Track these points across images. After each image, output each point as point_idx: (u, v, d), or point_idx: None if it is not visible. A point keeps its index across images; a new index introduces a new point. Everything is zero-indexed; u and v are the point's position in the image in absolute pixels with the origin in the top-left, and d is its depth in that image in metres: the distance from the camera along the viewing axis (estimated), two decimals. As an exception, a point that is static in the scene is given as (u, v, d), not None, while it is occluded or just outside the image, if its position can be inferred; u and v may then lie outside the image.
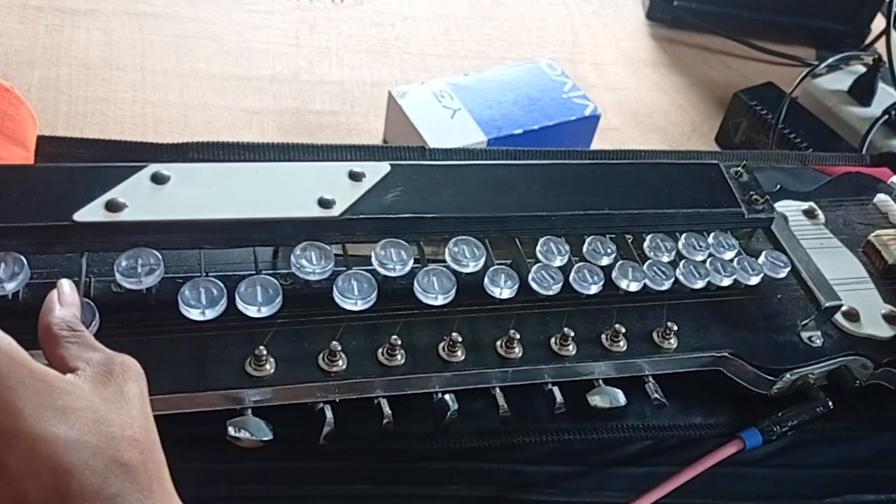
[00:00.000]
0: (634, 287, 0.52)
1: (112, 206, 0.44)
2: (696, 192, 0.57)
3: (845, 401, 0.54)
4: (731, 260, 0.55)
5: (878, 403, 0.56)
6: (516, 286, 0.50)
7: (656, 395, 0.50)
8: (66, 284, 0.40)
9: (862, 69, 0.99)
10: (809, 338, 0.54)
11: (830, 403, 0.53)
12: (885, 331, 0.56)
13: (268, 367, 0.44)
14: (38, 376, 0.32)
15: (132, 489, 0.31)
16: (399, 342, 0.46)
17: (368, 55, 0.97)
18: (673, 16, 1.13)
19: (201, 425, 0.43)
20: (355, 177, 0.50)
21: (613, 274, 0.52)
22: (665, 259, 0.54)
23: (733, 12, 1.11)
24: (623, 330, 0.50)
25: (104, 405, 0.33)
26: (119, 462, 0.32)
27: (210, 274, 0.46)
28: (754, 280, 0.55)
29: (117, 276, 0.44)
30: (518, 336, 0.48)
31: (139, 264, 0.44)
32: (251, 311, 0.45)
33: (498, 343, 0.48)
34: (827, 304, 0.53)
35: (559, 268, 0.51)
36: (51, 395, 0.32)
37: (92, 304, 0.43)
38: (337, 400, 0.45)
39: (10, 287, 0.42)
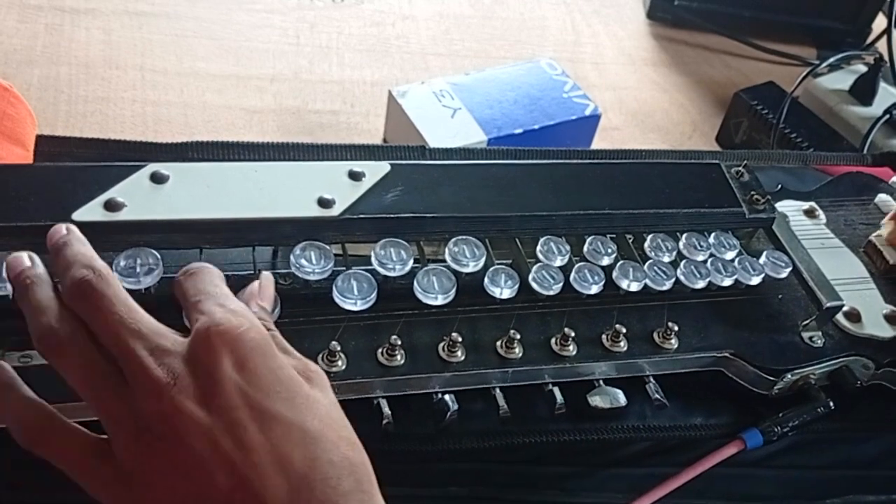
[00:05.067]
0: (635, 287, 0.52)
1: (111, 206, 0.44)
2: (697, 192, 0.57)
3: (846, 401, 0.54)
4: (732, 260, 0.55)
5: (879, 404, 0.56)
6: (516, 286, 0.50)
7: (657, 396, 0.50)
8: (267, 279, 0.41)
9: (863, 69, 0.98)
10: (811, 338, 0.54)
11: (831, 404, 0.52)
12: (886, 331, 0.56)
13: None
14: (285, 364, 0.34)
15: (358, 488, 0.32)
16: (399, 342, 0.46)
17: (369, 54, 0.97)
18: (674, 15, 1.13)
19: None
20: (355, 176, 0.50)
21: (614, 274, 0.52)
22: (666, 259, 0.54)
23: (734, 12, 1.11)
24: (624, 330, 0.50)
25: (324, 408, 0.34)
26: (349, 460, 0.32)
27: (209, 274, 0.46)
28: (755, 280, 0.55)
29: (116, 275, 0.43)
30: (518, 336, 0.48)
31: (138, 264, 0.44)
32: (250, 311, 0.44)
33: (498, 343, 0.48)
34: (828, 305, 0.53)
35: (560, 268, 0.51)
36: (295, 384, 0.33)
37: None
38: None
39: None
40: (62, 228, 0.37)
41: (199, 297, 0.35)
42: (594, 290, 0.51)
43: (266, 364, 0.33)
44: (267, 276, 0.41)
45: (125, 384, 0.32)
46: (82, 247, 0.36)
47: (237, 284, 0.45)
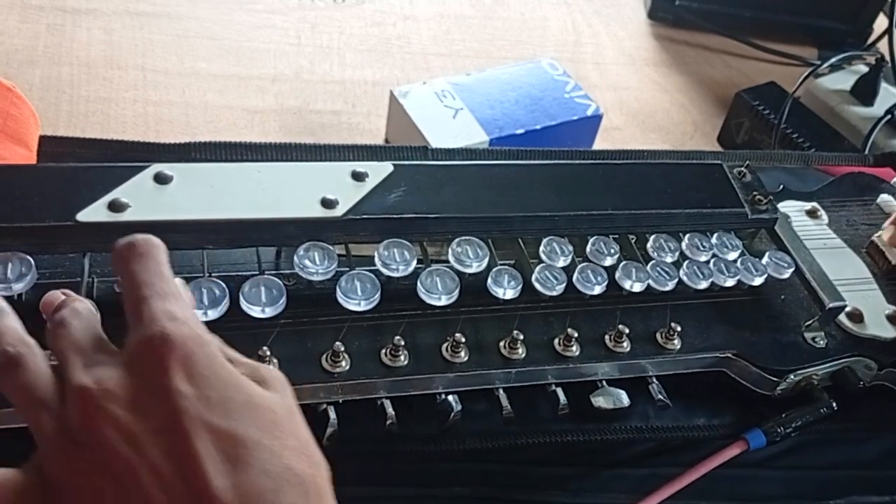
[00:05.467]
0: (638, 287, 0.52)
1: (115, 207, 0.44)
2: (699, 193, 0.57)
3: (849, 402, 0.54)
4: (735, 260, 0.55)
5: (882, 404, 0.56)
6: (520, 287, 0.50)
7: (660, 396, 0.50)
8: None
9: (864, 69, 0.98)
10: (813, 338, 0.54)
11: (834, 404, 0.52)
12: (889, 331, 0.56)
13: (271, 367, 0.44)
14: (226, 370, 0.32)
15: (303, 501, 0.30)
16: (402, 343, 0.46)
17: (370, 55, 0.97)
18: (675, 15, 1.13)
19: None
20: (358, 177, 0.50)
21: (617, 274, 0.52)
22: (668, 259, 0.54)
23: (735, 12, 1.11)
24: (626, 331, 0.50)
25: (276, 410, 0.32)
26: (293, 472, 0.30)
27: (213, 274, 0.46)
28: (758, 280, 0.55)
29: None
30: (521, 337, 0.48)
31: (142, 265, 0.44)
32: (255, 312, 0.45)
33: (501, 344, 0.48)
34: (831, 305, 0.53)
35: (562, 268, 0.51)
36: (236, 389, 0.31)
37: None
38: (340, 401, 0.45)
39: (18, 288, 0.42)
40: None
41: (145, 291, 0.33)
42: (597, 290, 0.51)
43: (203, 370, 0.31)
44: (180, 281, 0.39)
45: (62, 397, 0.31)
46: None
47: (239, 285, 0.45)
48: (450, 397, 0.46)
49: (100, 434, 0.29)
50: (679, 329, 0.51)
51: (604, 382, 0.50)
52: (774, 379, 0.52)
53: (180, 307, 0.33)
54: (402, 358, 0.46)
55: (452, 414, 0.46)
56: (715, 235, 0.56)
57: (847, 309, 0.55)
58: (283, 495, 0.30)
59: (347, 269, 0.48)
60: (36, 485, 0.30)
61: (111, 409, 0.30)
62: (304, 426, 0.33)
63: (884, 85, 0.96)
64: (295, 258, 0.46)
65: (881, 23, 1.10)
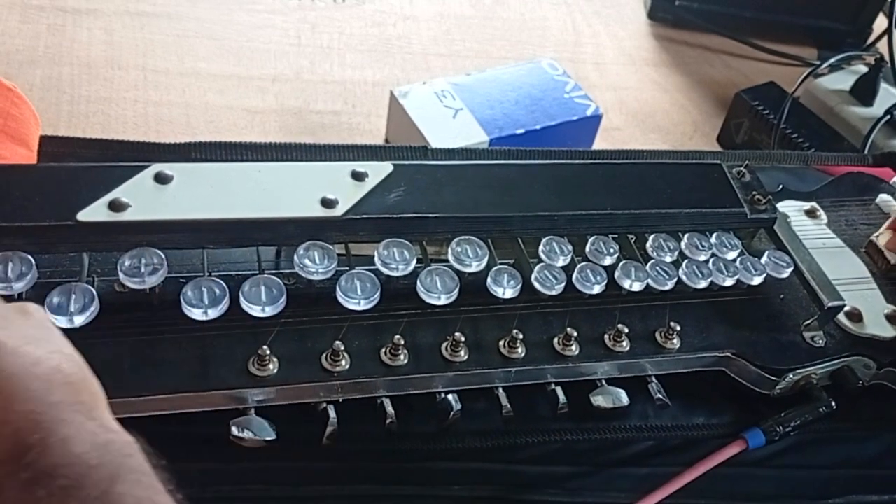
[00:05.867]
0: (637, 287, 0.52)
1: (115, 206, 0.44)
2: (698, 192, 0.57)
3: (848, 401, 0.54)
4: (734, 260, 0.55)
5: (881, 403, 0.56)
6: (519, 286, 0.50)
7: (659, 396, 0.50)
8: None
9: (864, 69, 0.99)
10: (812, 338, 0.54)
11: (833, 404, 0.52)
12: (887, 331, 0.56)
13: (271, 366, 0.44)
14: None
15: (73, 398, 0.30)
16: (402, 342, 0.46)
17: (370, 55, 0.97)
18: (674, 15, 1.13)
19: (204, 425, 0.43)
20: (358, 176, 0.50)
21: (616, 274, 0.52)
22: (668, 259, 0.54)
23: (735, 12, 1.11)
24: (626, 330, 0.50)
25: (33, 329, 0.32)
26: (62, 372, 0.30)
27: (213, 274, 0.46)
28: (757, 280, 0.55)
29: (121, 275, 0.44)
30: (521, 336, 0.48)
31: (142, 264, 0.44)
32: (255, 311, 0.45)
33: (501, 343, 0.48)
34: (830, 305, 0.53)
35: (562, 268, 0.51)
36: None
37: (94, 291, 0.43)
38: (340, 400, 0.45)
39: (18, 287, 0.42)
40: None
41: None
42: (596, 289, 0.51)
43: None
44: None
45: None
46: None
47: (238, 284, 0.45)
48: (449, 396, 0.46)
49: None
50: (678, 328, 0.51)
51: (603, 381, 0.50)
52: (773, 378, 0.52)
53: None
54: (401, 357, 0.46)
55: (452, 413, 0.46)
56: (714, 235, 0.56)
57: (846, 308, 0.55)
58: (51, 393, 0.29)
59: (347, 268, 0.48)
60: None
61: None
62: (65, 341, 0.33)
63: (883, 85, 0.96)
64: (295, 258, 0.47)
65: (881, 23, 1.10)
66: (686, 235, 0.55)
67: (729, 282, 0.54)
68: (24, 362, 0.30)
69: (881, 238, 0.61)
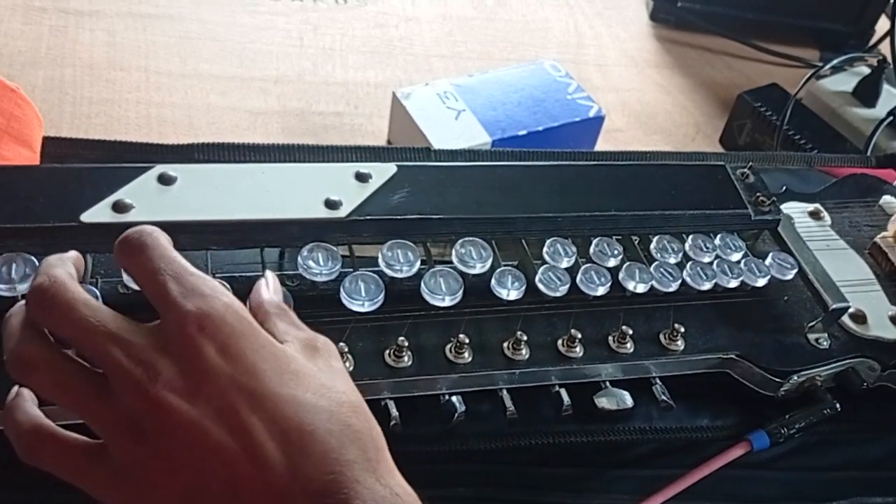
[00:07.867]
0: (641, 288, 0.52)
1: (119, 207, 0.44)
2: (702, 194, 0.57)
3: (853, 403, 0.54)
4: (738, 261, 0.55)
5: (885, 405, 0.56)
6: (523, 288, 0.50)
7: (663, 397, 0.50)
8: (271, 275, 0.40)
9: (866, 70, 0.98)
10: (816, 340, 0.54)
11: (838, 405, 0.52)
12: (892, 333, 0.56)
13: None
14: (269, 341, 0.33)
15: (362, 456, 0.31)
16: (406, 343, 0.46)
17: (372, 56, 0.97)
18: (676, 17, 1.13)
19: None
20: (362, 178, 0.50)
21: (620, 275, 0.52)
22: (672, 260, 0.54)
23: (737, 14, 1.11)
24: (630, 332, 0.50)
25: (322, 374, 0.33)
26: (351, 428, 0.31)
27: (217, 275, 0.46)
28: (761, 282, 0.55)
29: (124, 277, 0.43)
30: (525, 338, 0.48)
31: (146, 265, 0.44)
32: (258, 313, 0.44)
33: (505, 345, 0.48)
34: (834, 306, 0.53)
35: (566, 269, 0.51)
36: (283, 359, 0.32)
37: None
38: (344, 401, 0.45)
39: (22, 288, 0.42)
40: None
41: (158, 277, 0.33)
42: (600, 291, 0.51)
43: (248, 344, 0.32)
44: (269, 273, 0.41)
45: (107, 387, 0.31)
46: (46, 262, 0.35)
47: (245, 286, 0.45)
48: (453, 398, 0.46)
49: (168, 423, 0.30)
50: (682, 330, 0.51)
51: (607, 383, 0.50)
52: (778, 380, 0.52)
53: (194, 278, 0.33)
54: (405, 359, 0.46)
55: (456, 415, 0.46)
56: (718, 236, 0.56)
57: (850, 310, 0.55)
58: (346, 451, 0.31)
59: (351, 269, 0.48)
60: (107, 464, 0.31)
61: (171, 399, 0.30)
62: (350, 385, 0.34)
63: (886, 86, 0.96)
64: (299, 259, 0.47)
65: (883, 24, 1.10)
66: (690, 237, 0.55)
67: (733, 283, 0.54)
68: (321, 419, 0.31)
69: (890, 230, 0.61)
